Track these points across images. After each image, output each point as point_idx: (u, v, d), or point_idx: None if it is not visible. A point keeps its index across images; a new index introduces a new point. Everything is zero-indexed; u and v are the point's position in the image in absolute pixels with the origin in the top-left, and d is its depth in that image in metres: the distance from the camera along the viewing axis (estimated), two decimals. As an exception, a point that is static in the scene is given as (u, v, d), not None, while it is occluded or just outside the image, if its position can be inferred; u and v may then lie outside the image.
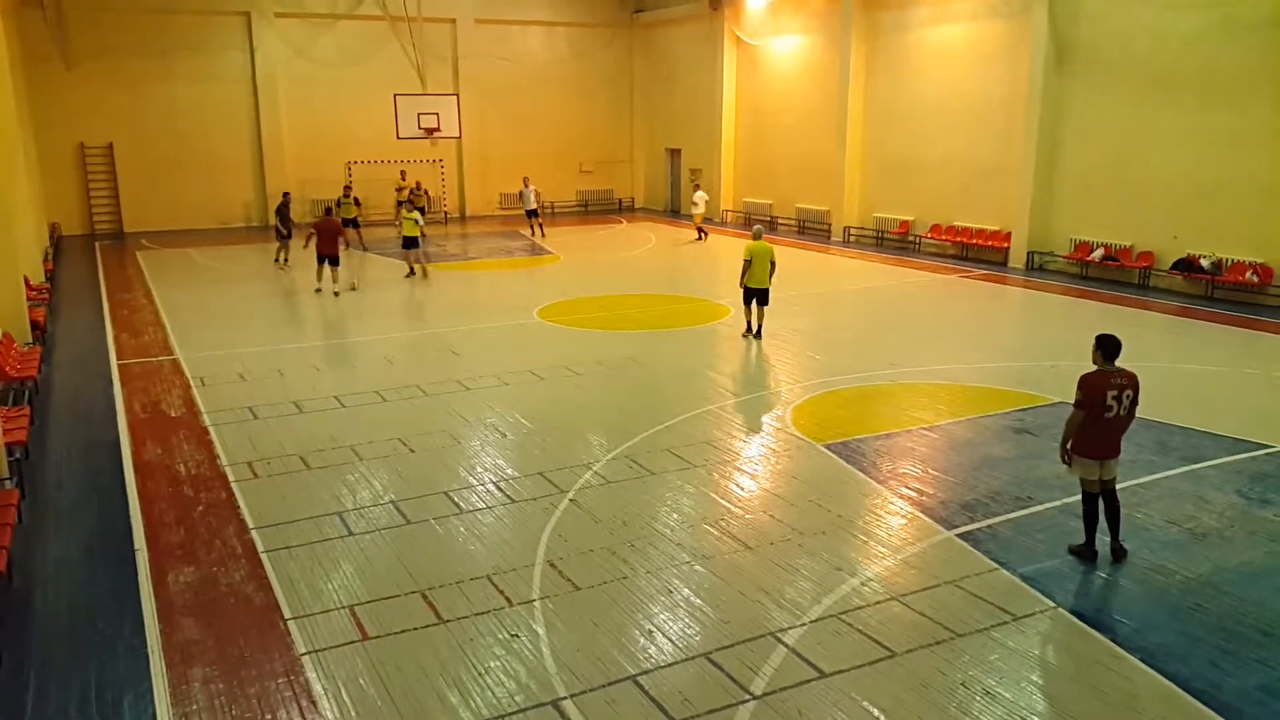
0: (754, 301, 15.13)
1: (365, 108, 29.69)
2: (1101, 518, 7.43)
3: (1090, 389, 7.11)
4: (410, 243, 20.70)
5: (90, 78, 27.24)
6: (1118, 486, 7.49)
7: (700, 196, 27.11)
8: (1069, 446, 7.28)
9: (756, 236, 15.39)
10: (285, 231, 22.35)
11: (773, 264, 14.95)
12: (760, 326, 15.16)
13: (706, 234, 27.21)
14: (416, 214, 21.02)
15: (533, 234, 27.75)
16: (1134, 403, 7.19)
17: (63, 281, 20.76)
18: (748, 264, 14.94)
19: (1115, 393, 7.08)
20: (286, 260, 22.44)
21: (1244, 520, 8.17)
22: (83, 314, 17.37)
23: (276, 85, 29.45)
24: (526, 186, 27.83)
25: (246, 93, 29.28)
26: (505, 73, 32.53)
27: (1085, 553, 7.43)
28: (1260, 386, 12.51)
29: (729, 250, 26.06)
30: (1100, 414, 7.10)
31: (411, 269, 21.08)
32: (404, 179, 30.09)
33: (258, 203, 30.07)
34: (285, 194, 23.64)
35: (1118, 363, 7.25)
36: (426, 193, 29.12)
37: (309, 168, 30.04)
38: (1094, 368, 7.26)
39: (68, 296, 19.09)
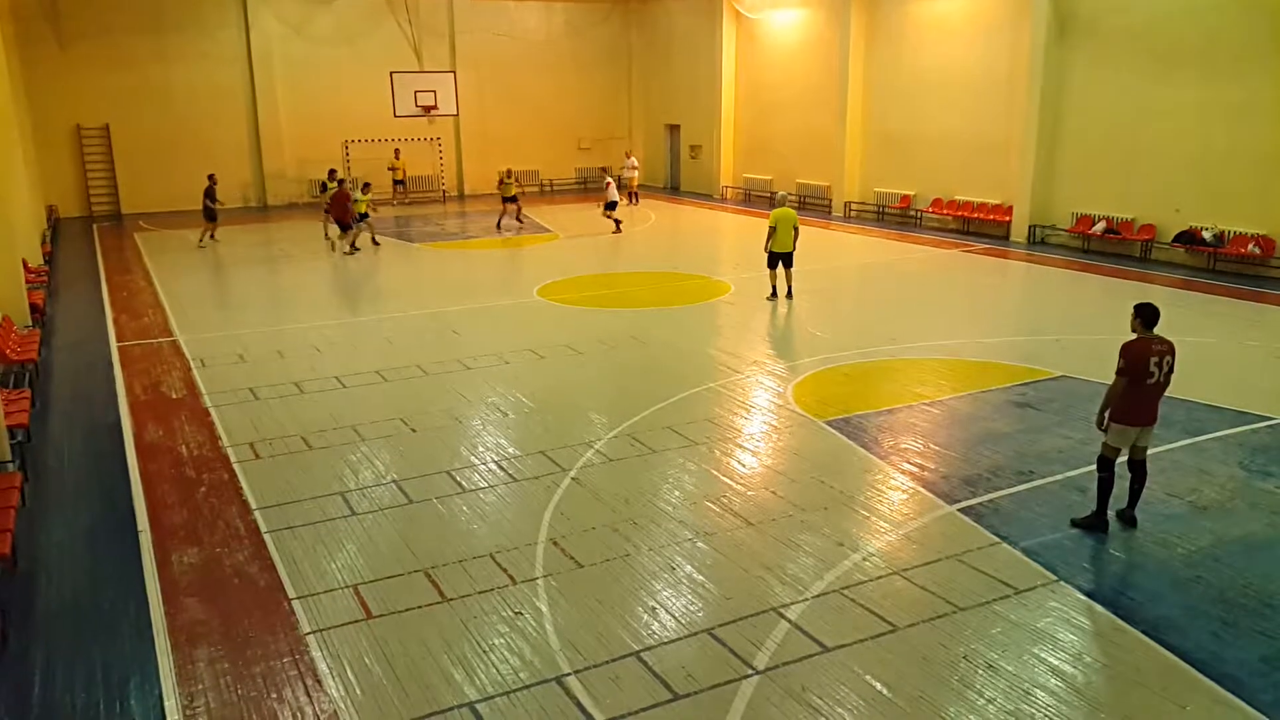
0: (779, 265, 15.71)
1: (362, 86, 29.53)
2: (1118, 485, 7.46)
3: (1134, 356, 7.15)
4: (360, 217, 21.83)
5: (85, 58, 27.07)
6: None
7: (632, 163, 28.83)
8: (1109, 415, 7.31)
9: (780, 203, 15.93)
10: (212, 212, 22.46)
11: (796, 229, 15.56)
12: (790, 287, 15.87)
13: (638, 198, 29.28)
14: (368, 194, 22.26)
15: (616, 229, 23.96)
16: (1171, 369, 7.26)
17: (61, 264, 20.72)
18: (772, 230, 15.52)
19: (1157, 359, 7.15)
20: (213, 238, 22.76)
21: (1245, 492, 8.18)
22: (81, 296, 17.34)
23: (272, 64, 29.25)
24: (612, 173, 25.62)
25: (242, 72, 29.09)
26: (502, 49, 32.30)
27: (1096, 524, 7.44)
28: (1262, 359, 12.49)
29: (721, 226, 26.02)
30: (1143, 381, 7.16)
31: (355, 243, 21.73)
32: (398, 158, 29.95)
33: (255, 183, 29.97)
34: (210, 176, 22.96)
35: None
36: (518, 179, 26.11)
37: (306, 147, 29.90)
38: (1133, 336, 7.29)
39: (66, 279, 19.06)
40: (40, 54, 26.24)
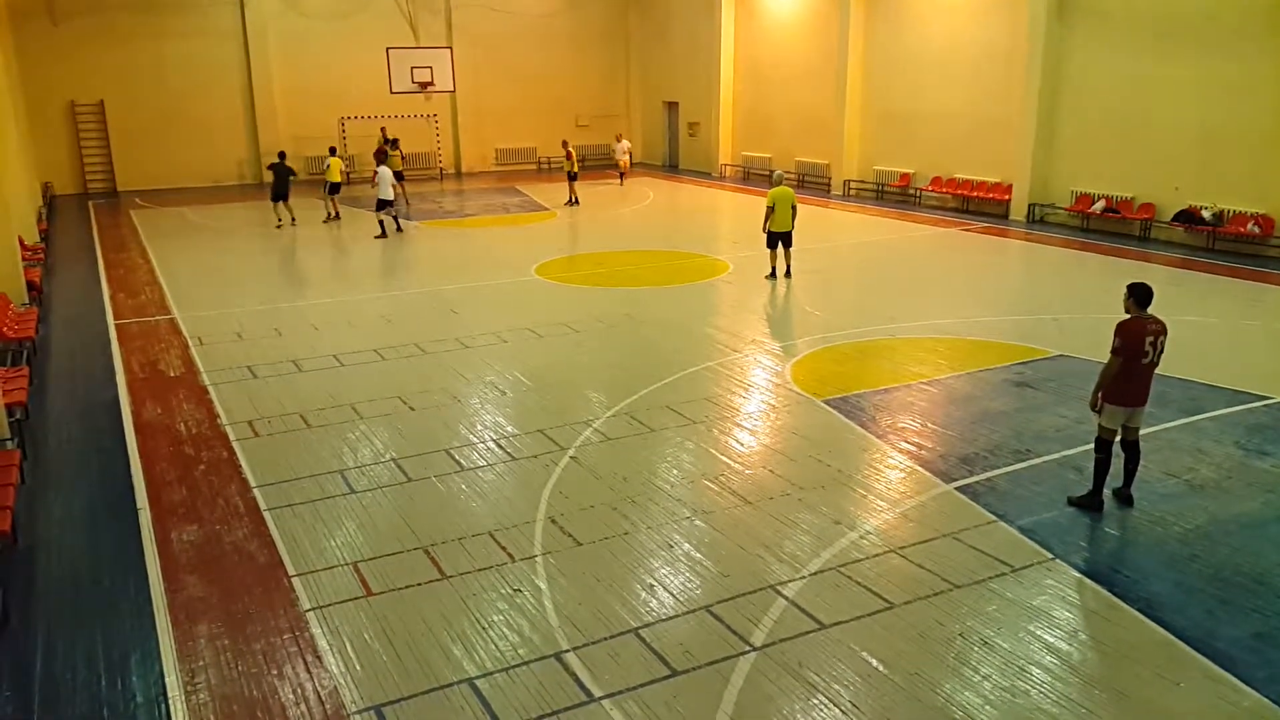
0: (779, 245, 15.72)
1: (358, 62, 29.28)
2: (1113, 464, 7.50)
3: (1130, 335, 7.16)
4: (335, 188, 22.71)
5: (79, 34, 26.82)
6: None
7: (624, 146, 29.01)
8: (1101, 395, 7.33)
9: (777, 182, 15.93)
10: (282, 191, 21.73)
11: (794, 208, 15.52)
12: (789, 266, 15.91)
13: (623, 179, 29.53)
14: (340, 162, 22.94)
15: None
16: (1162, 349, 7.27)
17: (57, 241, 20.64)
18: (770, 210, 15.48)
19: (1152, 339, 7.17)
20: (294, 222, 22.07)
21: (1241, 472, 8.21)
22: (78, 274, 17.29)
23: (267, 40, 29.02)
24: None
25: (237, 48, 28.85)
26: (499, 25, 32.02)
27: (1091, 503, 7.48)
28: (1259, 338, 12.51)
29: (720, 204, 25.95)
30: (1138, 361, 7.17)
31: (337, 213, 22.81)
32: (385, 134, 29.65)
33: (251, 160, 29.80)
34: (280, 154, 22.61)
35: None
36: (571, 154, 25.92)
37: (302, 124, 29.72)
38: (1126, 316, 7.30)
39: (63, 256, 18.99)
40: (33, 30, 26.00)
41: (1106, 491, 7.56)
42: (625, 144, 29.30)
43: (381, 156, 23.95)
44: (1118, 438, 7.48)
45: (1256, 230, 17.38)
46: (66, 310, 14.70)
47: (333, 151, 22.94)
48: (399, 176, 25.44)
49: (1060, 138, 20.89)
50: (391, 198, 20.59)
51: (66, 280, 16.85)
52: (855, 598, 6.26)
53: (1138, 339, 7.14)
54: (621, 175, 29.60)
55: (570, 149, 25.89)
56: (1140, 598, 6.25)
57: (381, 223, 20.48)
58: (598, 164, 34.21)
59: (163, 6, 27.71)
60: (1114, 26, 19.39)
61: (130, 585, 6.58)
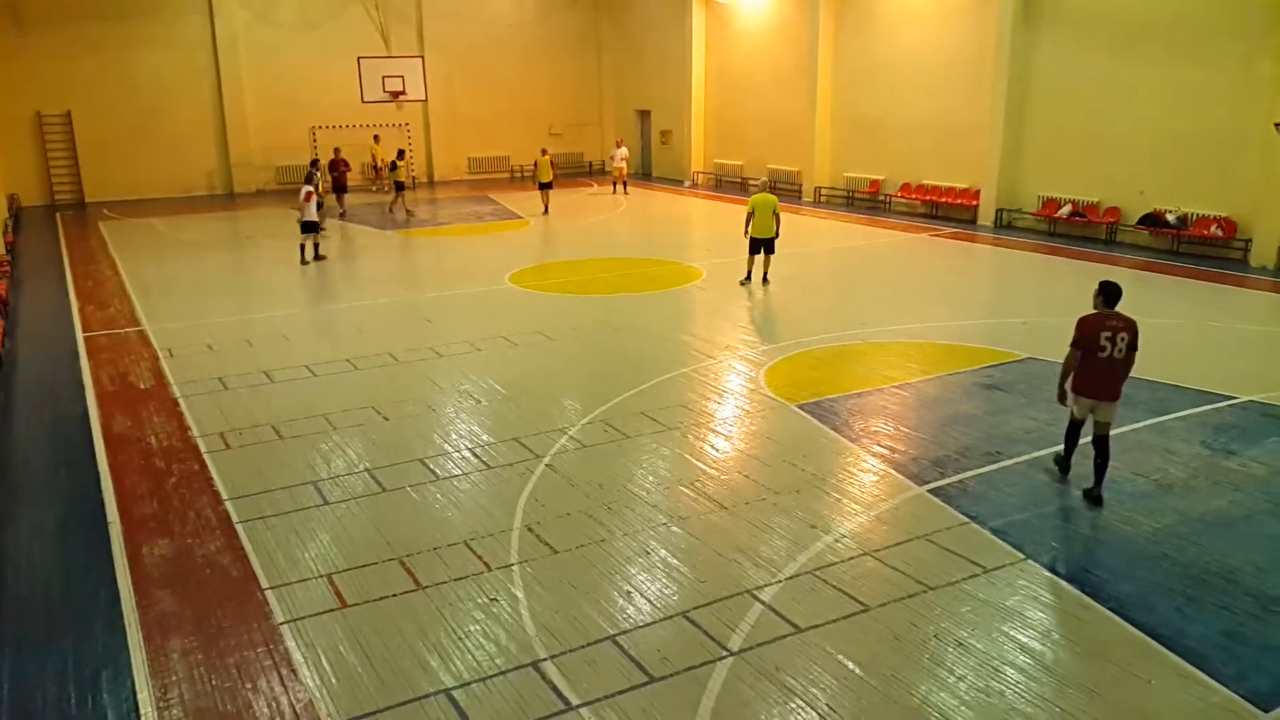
0: (760, 251, 15.81)
1: (329, 72, 29.12)
2: (1080, 460, 7.78)
3: (1085, 328, 7.50)
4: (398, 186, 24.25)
5: (45, 44, 26.51)
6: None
7: (622, 153, 28.59)
8: (1067, 385, 7.67)
9: (761, 189, 16.08)
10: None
11: (777, 215, 15.64)
12: (766, 273, 16.01)
13: (626, 187, 29.15)
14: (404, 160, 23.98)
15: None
16: (1131, 346, 7.49)
17: (24, 254, 20.35)
18: (750, 215, 15.61)
19: (1109, 334, 7.41)
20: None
21: (1209, 471, 8.34)
22: (45, 286, 17.06)
23: (238, 50, 28.81)
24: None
25: (207, 58, 28.61)
26: (471, 34, 32.00)
27: (1060, 466, 8.07)
28: (1224, 339, 12.71)
29: (693, 211, 26.04)
30: (1094, 353, 7.44)
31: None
32: (377, 142, 29.60)
33: (221, 170, 29.57)
34: (313, 162, 23.03)
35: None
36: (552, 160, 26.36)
37: (273, 134, 29.52)
38: (1094, 311, 7.59)
39: (29, 269, 18.73)
40: (-3, 39, 25.71)
41: (1076, 493, 7.70)
42: (623, 150, 28.69)
43: (336, 167, 24.10)
44: (1086, 437, 7.73)
45: (1219, 233, 17.67)
46: (34, 324, 14.50)
47: (401, 154, 24.17)
48: (400, 187, 25.49)
49: (1027, 143, 21.15)
50: (316, 219, 18.56)
51: (34, 293, 16.61)
52: (831, 601, 6.30)
53: (1092, 333, 7.44)
54: (614, 184, 28.93)
55: (538, 159, 25.89)
56: (1111, 597, 6.34)
57: (302, 248, 18.52)
58: (568, 172, 34.27)
59: (131, 16, 27.42)
60: (1081, 33, 19.68)
61: (101, 600, 6.49)
